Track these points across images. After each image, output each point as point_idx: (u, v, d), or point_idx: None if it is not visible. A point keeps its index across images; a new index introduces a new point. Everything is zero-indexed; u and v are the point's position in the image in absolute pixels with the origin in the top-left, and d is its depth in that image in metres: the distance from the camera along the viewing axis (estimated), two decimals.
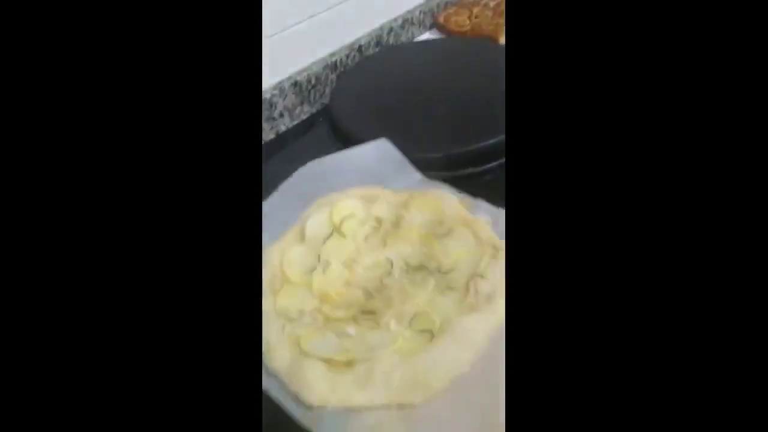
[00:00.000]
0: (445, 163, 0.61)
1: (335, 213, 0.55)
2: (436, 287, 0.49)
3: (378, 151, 0.60)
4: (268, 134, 0.74)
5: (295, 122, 0.78)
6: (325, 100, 0.79)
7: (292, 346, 0.46)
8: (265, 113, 0.72)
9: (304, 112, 0.79)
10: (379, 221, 0.55)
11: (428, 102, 0.70)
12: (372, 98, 0.72)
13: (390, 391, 0.42)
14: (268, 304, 0.49)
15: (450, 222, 0.53)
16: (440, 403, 0.42)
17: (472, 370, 0.43)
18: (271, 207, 0.57)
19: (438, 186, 0.57)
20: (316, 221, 0.55)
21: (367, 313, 0.48)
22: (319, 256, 0.52)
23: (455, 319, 0.45)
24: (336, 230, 0.54)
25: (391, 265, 0.51)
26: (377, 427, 0.41)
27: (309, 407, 0.43)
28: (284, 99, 0.75)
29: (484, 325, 0.45)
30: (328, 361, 0.45)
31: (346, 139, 0.65)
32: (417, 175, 0.59)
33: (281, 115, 0.75)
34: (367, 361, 0.44)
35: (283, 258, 0.52)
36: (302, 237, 0.54)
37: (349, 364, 0.45)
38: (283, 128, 0.76)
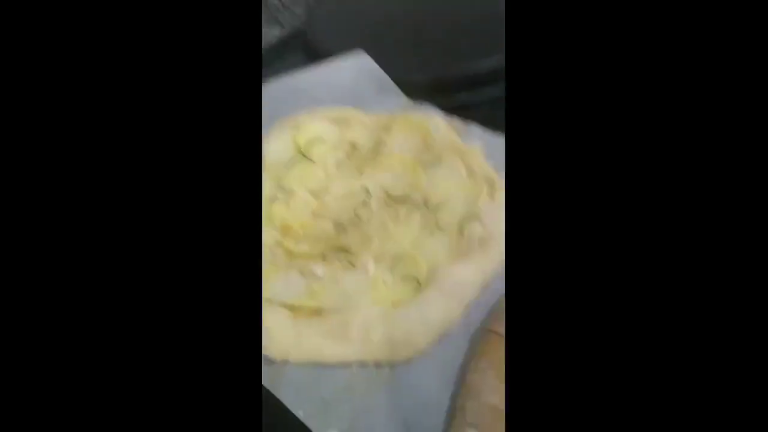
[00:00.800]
0: (435, 87, 0.52)
1: (300, 135, 0.46)
2: (423, 225, 0.41)
3: (355, 68, 0.51)
4: None
5: (265, 48, 0.67)
6: (298, 23, 0.69)
7: None
8: None
9: (274, 36, 0.68)
10: (354, 146, 0.46)
11: (417, 21, 0.60)
12: (354, 19, 0.63)
13: (368, 347, 0.35)
14: None
15: (438, 148, 0.44)
16: (424, 362, 0.34)
17: (460, 326, 0.35)
18: None
19: (425, 108, 0.48)
20: (276, 145, 0.46)
21: (340, 250, 0.40)
22: (281, 185, 0.44)
23: (445, 267, 0.37)
24: (302, 155, 0.45)
25: (368, 194, 0.43)
26: (349, 388, 0.34)
27: (269, 361, 0.35)
28: None
29: (476, 276, 0.37)
30: (293, 308, 0.37)
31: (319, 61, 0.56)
32: (401, 98, 0.50)
33: None
34: (340, 311, 0.36)
35: None
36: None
37: (318, 311, 0.37)
38: None
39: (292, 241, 0.40)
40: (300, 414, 0.33)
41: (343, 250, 0.40)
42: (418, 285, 0.37)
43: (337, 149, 0.46)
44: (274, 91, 0.50)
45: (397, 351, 0.34)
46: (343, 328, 0.35)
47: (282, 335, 0.36)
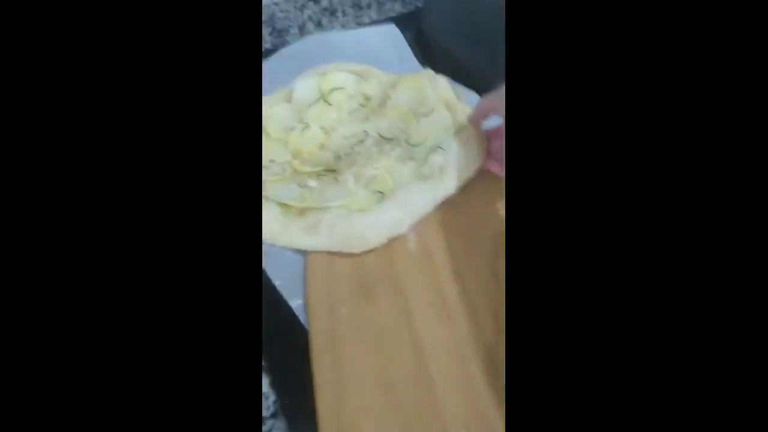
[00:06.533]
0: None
1: (326, 82, 0.56)
2: (400, 157, 0.49)
3: (384, 36, 0.60)
4: (350, 23, 0.68)
5: (381, 18, 0.69)
6: (420, 4, 0.69)
7: None
8: None
9: (394, 10, 0.69)
10: (367, 99, 0.55)
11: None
12: (472, 16, 0.61)
13: (331, 239, 0.44)
14: None
15: (433, 103, 0.52)
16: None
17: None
18: (267, 68, 0.58)
19: (431, 73, 0.56)
20: (305, 86, 0.56)
21: (331, 171, 0.49)
22: (301, 118, 0.54)
23: (403, 184, 0.46)
24: (323, 98, 0.55)
25: (366, 135, 0.52)
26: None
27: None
28: None
29: (428, 194, 0.46)
30: (285, 207, 0.46)
31: (427, 50, 0.61)
32: (418, 66, 0.59)
33: (369, 6, 0.70)
34: (318, 211, 0.46)
35: (266, 112, 0.54)
36: (290, 98, 0.56)
37: (303, 212, 0.46)
38: (366, 20, 0.68)
39: (299, 163, 0.50)
40: (277, 283, 0.43)
41: (333, 171, 0.49)
42: (382, 197, 0.46)
43: (353, 99, 0.55)
44: (314, 41, 0.61)
45: (354, 245, 0.43)
46: (316, 223, 0.44)
47: (272, 226, 0.45)
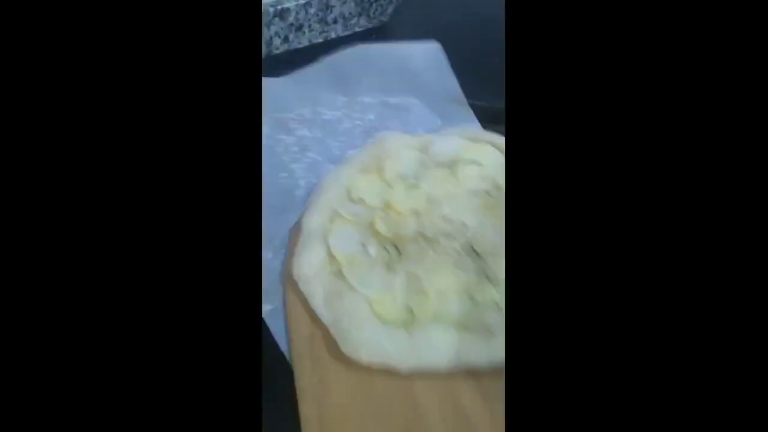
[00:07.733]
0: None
1: (469, 150, 0.48)
2: (464, 286, 0.41)
3: (427, 57, 0.55)
4: (316, 37, 0.69)
5: (347, 33, 0.71)
6: (386, 19, 0.72)
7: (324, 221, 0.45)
8: (318, 14, 0.67)
9: (360, 25, 0.71)
10: (498, 189, 0.46)
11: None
12: (439, 29, 0.63)
13: (333, 317, 0.39)
14: (345, 177, 0.48)
15: None
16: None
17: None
18: (310, 75, 0.56)
19: None
20: (448, 144, 0.49)
21: (397, 250, 0.43)
22: (420, 174, 0.48)
23: (440, 321, 0.38)
24: (452, 165, 0.48)
25: (462, 233, 0.44)
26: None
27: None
28: (343, 4, 0.68)
29: (449, 350, 0.37)
30: (330, 255, 0.43)
31: None
32: (459, 94, 0.54)
33: (335, 21, 0.69)
34: (346, 284, 0.41)
35: (395, 153, 0.49)
36: (426, 149, 0.50)
37: (338, 273, 0.42)
38: (333, 35, 0.70)
39: (380, 217, 0.45)
40: None
41: (399, 253, 0.43)
42: (408, 323, 0.39)
43: (484, 181, 0.47)
44: (355, 53, 0.56)
45: (343, 343, 0.38)
46: (333, 296, 0.40)
47: (309, 267, 0.42)
